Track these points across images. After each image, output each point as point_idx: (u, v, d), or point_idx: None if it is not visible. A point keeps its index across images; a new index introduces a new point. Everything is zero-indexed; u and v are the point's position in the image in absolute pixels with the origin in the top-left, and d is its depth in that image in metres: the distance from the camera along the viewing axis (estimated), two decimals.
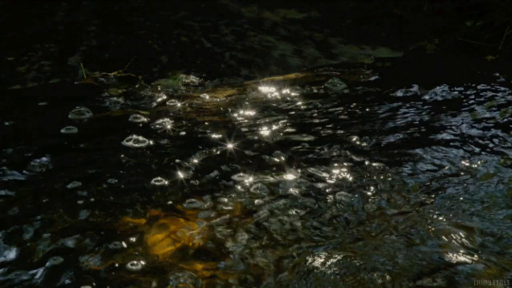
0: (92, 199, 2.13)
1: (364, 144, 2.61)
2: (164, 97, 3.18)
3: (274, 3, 5.29)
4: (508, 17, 4.42)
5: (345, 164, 2.42)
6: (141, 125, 2.79)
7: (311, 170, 2.37)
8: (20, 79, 3.51)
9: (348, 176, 2.33)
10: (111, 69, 3.58)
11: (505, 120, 2.88)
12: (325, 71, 3.74)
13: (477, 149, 2.56)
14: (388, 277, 1.73)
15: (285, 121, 2.87)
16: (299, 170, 2.37)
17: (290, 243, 1.91)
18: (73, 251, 1.84)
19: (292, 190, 2.22)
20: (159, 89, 3.33)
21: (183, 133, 2.72)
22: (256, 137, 2.68)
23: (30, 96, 3.23)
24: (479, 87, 3.36)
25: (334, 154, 2.51)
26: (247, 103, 3.09)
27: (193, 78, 3.53)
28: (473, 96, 3.22)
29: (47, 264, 1.77)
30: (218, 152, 2.53)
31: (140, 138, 2.63)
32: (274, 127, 2.78)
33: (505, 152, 2.54)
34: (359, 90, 3.36)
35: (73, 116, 2.84)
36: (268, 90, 3.27)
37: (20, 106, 3.05)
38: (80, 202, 2.11)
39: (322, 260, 1.79)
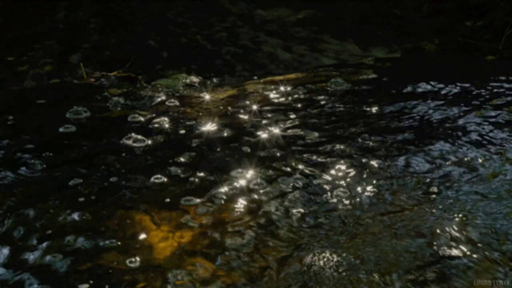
0: (91, 197, 2.13)
1: (365, 143, 2.61)
2: (164, 97, 3.18)
3: (274, 3, 5.30)
4: (508, 17, 4.42)
5: (346, 163, 2.42)
6: (140, 125, 2.79)
7: (312, 169, 2.38)
8: (20, 79, 3.51)
9: (348, 175, 2.33)
10: (111, 69, 3.58)
11: (506, 120, 2.88)
12: (325, 71, 3.74)
13: (478, 148, 2.56)
14: (386, 276, 1.73)
15: (285, 121, 2.87)
16: (300, 169, 2.37)
17: (290, 241, 1.91)
18: (71, 249, 1.84)
19: (292, 189, 2.22)
20: (159, 89, 3.33)
21: (183, 133, 2.73)
22: (256, 137, 2.68)
23: (30, 96, 3.23)
24: (479, 87, 3.36)
25: (335, 153, 2.51)
26: (247, 103, 3.10)
27: (193, 78, 3.54)
28: (472, 96, 3.22)
29: (44, 262, 1.78)
30: (218, 152, 2.53)
31: (139, 137, 2.63)
32: (275, 127, 2.78)
33: (507, 150, 2.54)
34: (359, 90, 3.36)
35: (71, 116, 2.84)
36: (268, 90, 3.27)
37: (20, 106, 3.06)
38: (79, 200, 2.11)
39: (319, 258, 1.80)
